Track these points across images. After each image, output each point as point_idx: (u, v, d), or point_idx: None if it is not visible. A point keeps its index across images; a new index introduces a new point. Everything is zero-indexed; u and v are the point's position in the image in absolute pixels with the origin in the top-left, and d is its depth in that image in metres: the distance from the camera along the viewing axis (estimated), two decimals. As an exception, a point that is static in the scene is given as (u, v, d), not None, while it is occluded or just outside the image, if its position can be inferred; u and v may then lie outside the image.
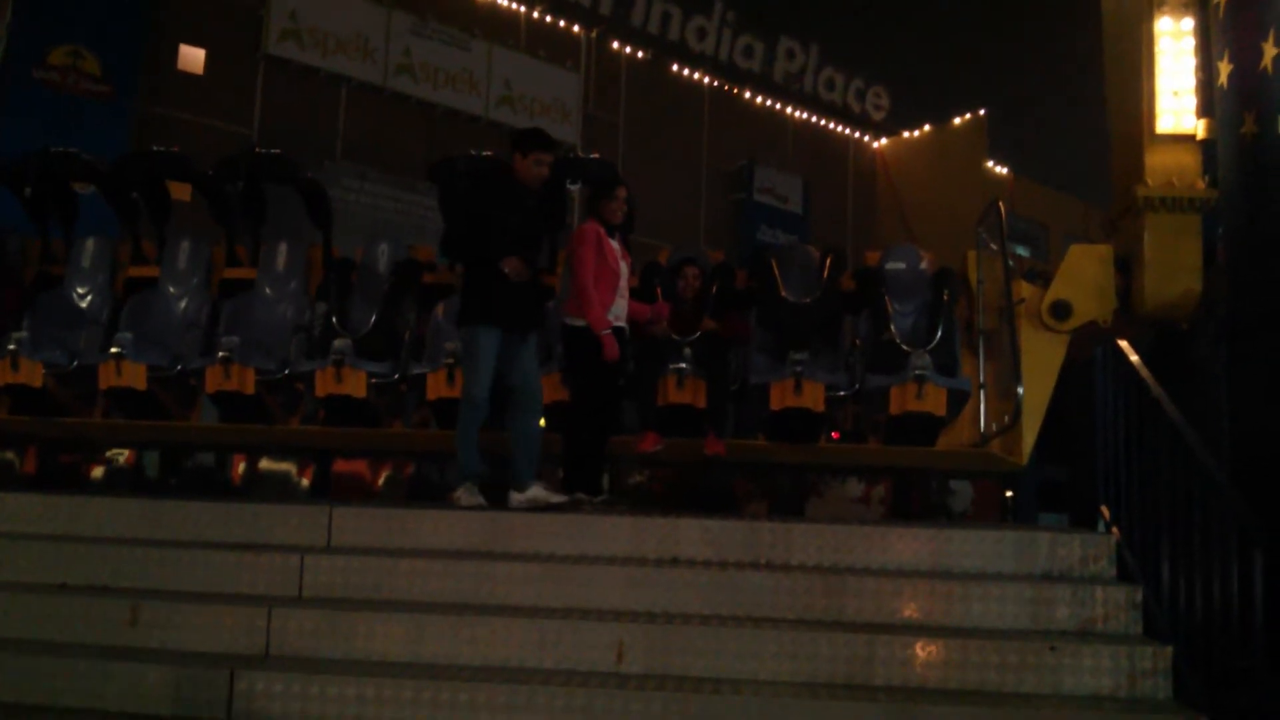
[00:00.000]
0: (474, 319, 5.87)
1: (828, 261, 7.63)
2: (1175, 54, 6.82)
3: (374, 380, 7.08)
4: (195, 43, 15.04)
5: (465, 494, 5.84)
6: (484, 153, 8.37)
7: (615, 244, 6.33)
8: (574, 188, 8.33)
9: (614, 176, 6.42)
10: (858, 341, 7.17)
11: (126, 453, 8.05)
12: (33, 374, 7.12)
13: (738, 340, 7.16)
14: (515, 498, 5.81)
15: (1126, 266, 6.96)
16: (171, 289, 7.86)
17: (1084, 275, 6.99)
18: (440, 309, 7.49)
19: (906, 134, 22.71)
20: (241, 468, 7.99)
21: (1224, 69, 6.29)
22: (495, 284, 5.85)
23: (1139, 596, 4.76)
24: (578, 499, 6.06)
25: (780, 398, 6.66)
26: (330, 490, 7.73)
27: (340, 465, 7.84)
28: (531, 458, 5.99)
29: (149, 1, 14.48)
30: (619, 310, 6.32)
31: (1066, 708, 4.26)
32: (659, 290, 7.26)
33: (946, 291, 7.18)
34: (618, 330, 6.27)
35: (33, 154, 7.93)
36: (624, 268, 6.40)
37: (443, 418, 7.25)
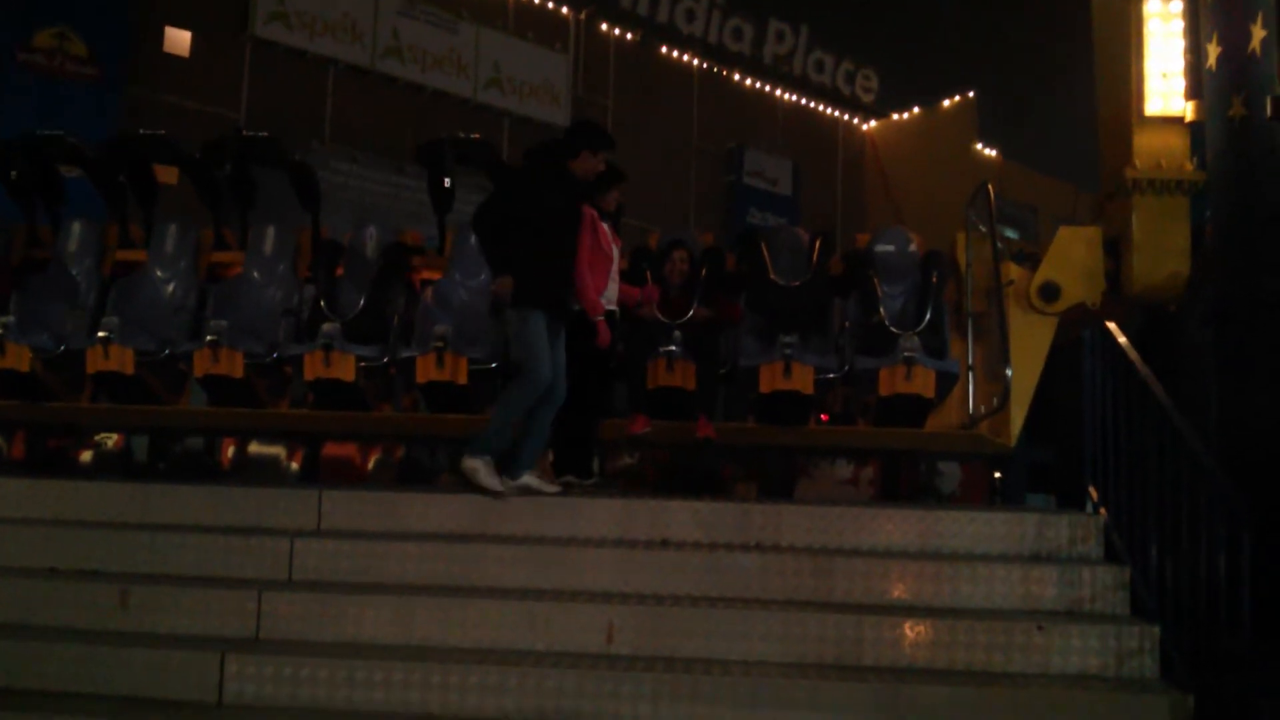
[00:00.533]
0: (528, 301, 5.72)
1: (817, 244, 7.63)
2: (1164, 36, 6.82)
3: (363, 364, 7.07)
4: (182, 25, 14.92)
5: (485, 470, 5.46)
6: (472, 135, 8.35)
7: (607, 227, 6.34)
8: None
9: (609, 170, 6.37)
10: (847, 324, 7.18)
11: (115, 437, 8.02)
12: (20, 358, 7.08)
13: (727, 323, 7.16)
14: (507, 483, 5.67)
15: (1115, 249, 6.98)
16: (159, 272, 7.82)
17: (1072, 257, 7.00)
18: (429, 293, 7.47)
19: (896, 116, 22.68)
20: (231, 451, 7.97)
21: (1212, 51, 6.29)
22: (544, 270, 5.78)
23: (1126, 577, 4.79)
24: (567, 481, 6.07)
25: (770, 380, 6.66)
26: (320, 474, 7.72)
27: (330, 449, 7.83)
28: (537, 449, 5.88)
29: (135, -17, 14.40)
30: (611, 294, 6.33)
31: (1054, 687, 4.29)
32: (648, 274, 7.25)
33: (935, 274, 7.19)
34: (609, 314, 6.28)
35: (18, 137, 7.88)
36: (615, 252, 6.41)
37: (432, 401, 7.25)
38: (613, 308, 6.35)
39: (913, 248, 7.54)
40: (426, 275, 7.88)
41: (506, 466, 5.68)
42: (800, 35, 21.62)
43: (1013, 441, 6.90)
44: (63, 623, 4.70)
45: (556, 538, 5.15)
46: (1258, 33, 6.00)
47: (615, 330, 6.38)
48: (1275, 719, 4.26)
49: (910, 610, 4.65)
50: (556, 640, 4.53)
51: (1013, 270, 7.04)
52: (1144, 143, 6.74)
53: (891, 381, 6.60)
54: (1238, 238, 6.10)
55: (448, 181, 7.96)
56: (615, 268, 6.42)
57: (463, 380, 6.91)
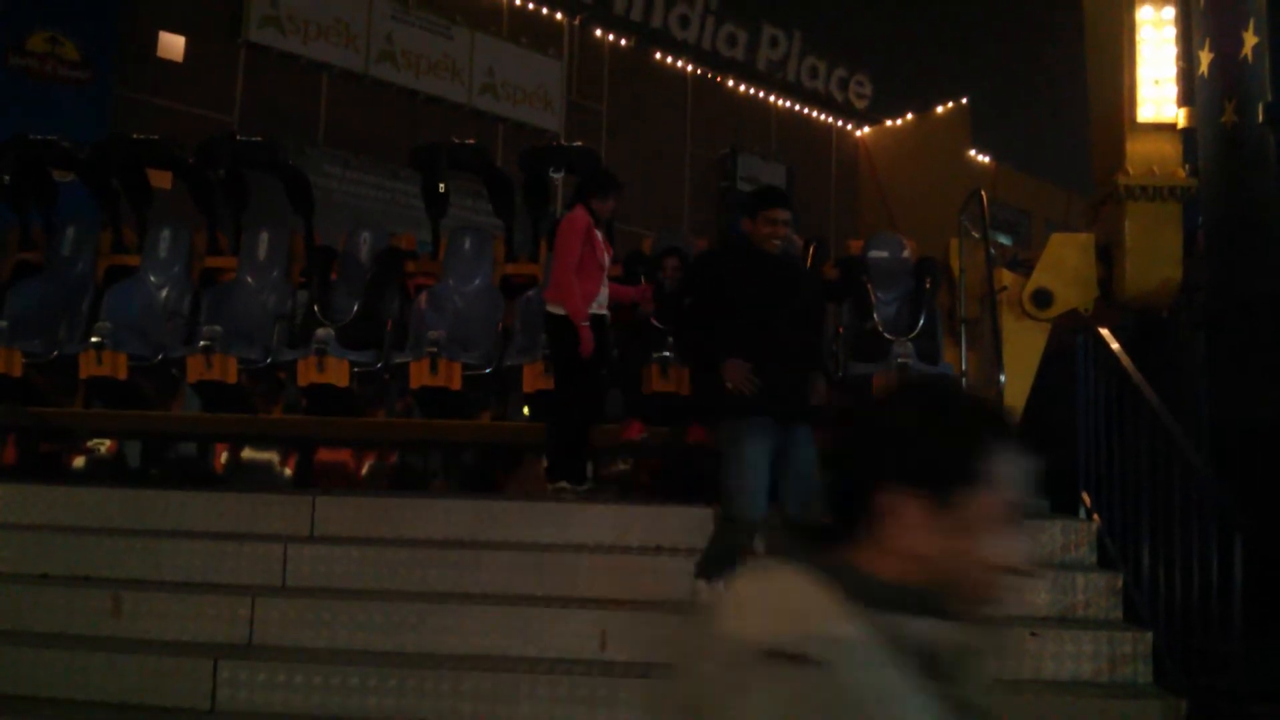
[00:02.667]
0: (728, 410, 4.64)
1: (810, 250, 7.64)
2: (1156, 43, 6.84)
3: (357, 369, 7.06)
4: (175, 29, 14.90)
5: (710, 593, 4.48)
6: (467, 140, 8.35)
7: (600, 234, 6.35)
8: (556, 176, 8.32)
9: (607, 179, 6.37)
10: (840, 330, 7.19)
11: (108, 442, 8.01)
12: (12, 363, 7.07)
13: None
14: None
15: (1107, 255, 6.99)
16: (152, 277, 7.81)
17: (1065, 264, 7.01)
18: (423, 298, 7.47)
19: (889, 122, 22.71)
20: (224, 457, 7.97)
21: (1205, 58, 6.31)
22: (755, 361, 4.64)
23: (1119, 582, 4.80)
24: (561, 488, 6.07)
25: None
26: (313, 479, 7.71)
27: (323, 454, 7.82)
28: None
29: (128, -13, 14.38)
30: (603, 298, 6.35)
31: (1047, 693, 4.29)
32: (642, 278, 7.25)
33: (929, 280, 7.20)
34: (599, 318, 6.28)
35: (10, 141, 7.87)
36: (606, 258, 6.44)
37: (426, 406, 7.24)
38: (602, 312, 6.36)
39: (906, 254, 7.56)
40: (421, 280, 7.87)
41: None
42: (794, 41, 21.64)
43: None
44: (55, 629, 4.69)
45: (550, 544, 5.15)
46: (1249, 39, 6.02)
47: (605, 334, 6.41)
48: (1268, 724, 4.27)
49: (904, 616, 4.64)
50: (550, 647, 4.53)
51: (1006, 276, 7.05)
52: (1136, 149, 6.75)
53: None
54: (1229, 243, 6.12)
55: (442, 186, 7.96)
56: (606, 274, 6.45)
57: (456, 386, 6.90)
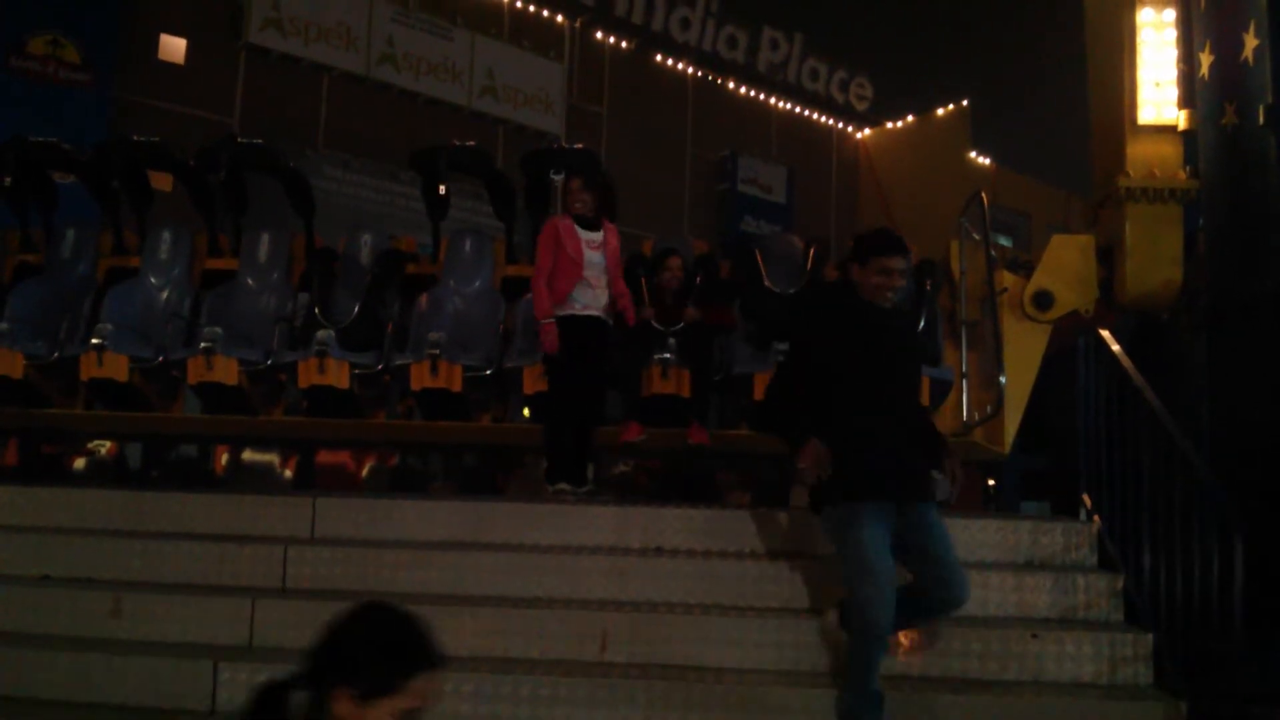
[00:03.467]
0: (834, 495, 4.19)
1: (811, 252, 7.64)
2: (1157, 45, 6.84)
3: (357, 371, 7.06)
4: (176, 32, 14.93)
5: None
6: (467, 143, 8.35)
7: (585, 233, 6.29)
8: (557, 178, 8.31)
9: (588, 167, 6.33)
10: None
11: (109, 444, 8.01)
12: (13, 365, 7.07)
13: (722, 329, 7.16)
14: None
15: (1108, 256, 6.99)
16: (153, 279, 7.81)
17: (1066, 265, 7.01)
18: (424, 300, 7.47)
19: (890, 125, 22.74)
20: (224, 459, 7.97)
21: (1205, 60, 6.31)
22: (850, 435, 4.19)
23: (1120, 584, 4.80)
24: (560, 489, 6.06)
25: (764, 388, 6.67)
26: (314, 481, 7.70)
27: (323, 456, 7.82)
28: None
29: (129, -11, 14.41)
30: (588, 299, 6.27)
31: (1048, 695, 4.29)
32: (643, 281, 7.24)
33: (929, 282, 7.20)
34: (592, 319, 6.24)
35: (11, 143, 7.87)
36: (594, 257, 6.30)
37: (426, 408, 7.24)
38: (593, 314, 6.28)
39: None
40: (421, 282, 7.87)
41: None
42: (794, 43, 21.67)
43: (1006, 449, 6.91)
44: (55, 630, 4.68)
45: (550, 545, 5.14)
46: (1250, 41, 6.02)
47: (602, 336, 6.33)
48: (1268, 726, 4.26)
49: (904, 618, 4.64)
50: (550, 648, 4.53)
51: (1006, 278, 7.06)
52: (1137, 151, 6.76)
53: (885, 389, 6.59)
54: (1230, 245, 6.12)
55: (442, 189, 7.96)
56: (594, 273, 6.29)
57: (457, 387, 6.91)
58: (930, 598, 4.13)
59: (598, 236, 6.32)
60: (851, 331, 4.32)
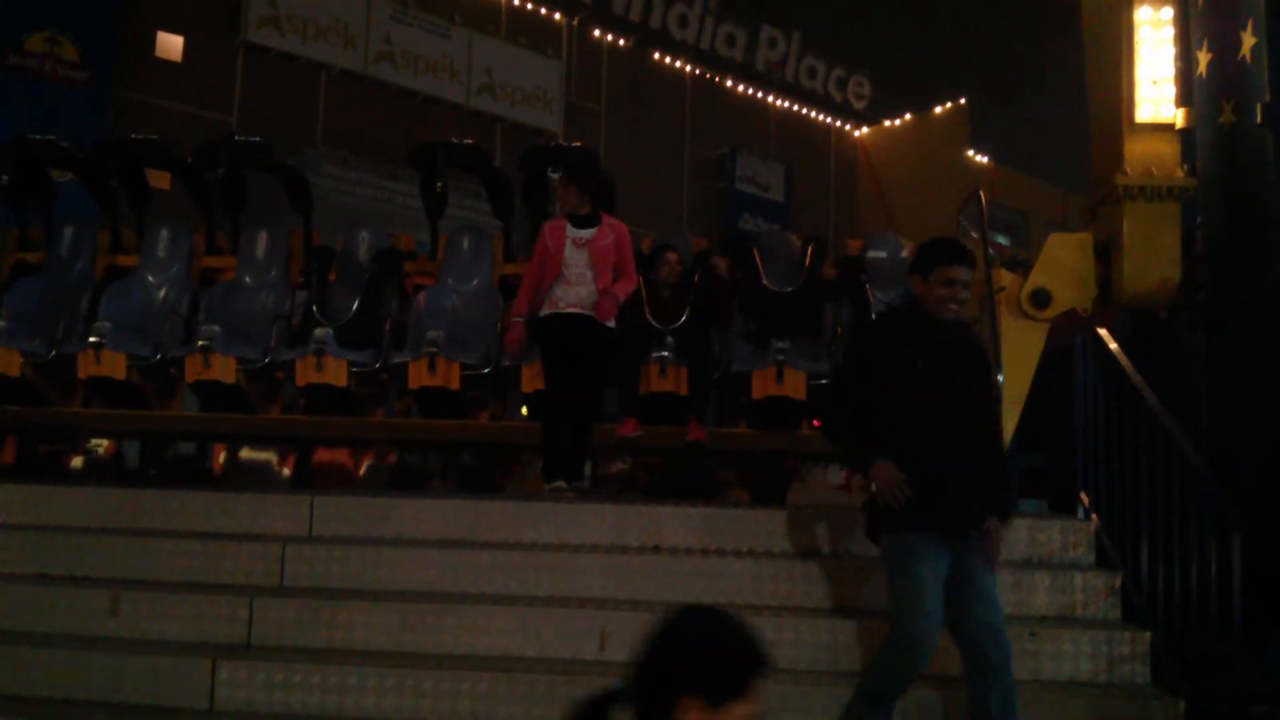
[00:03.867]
0: (896, 524, 4.01)
1: (809, 250, 7.64)
2: (1154, 43, 6.83)
3: (355, 369, 7.06)
4: (173, 29, 14.91)
5: None
6: (465, 140, 8.35)
7: (574, 231, 6.25)
8: (555, 176, 8.30)
9: (586, 164, 6.32)
10: (839, 329, 7.19)
11: (106, 442, 8.01)
12: (10, 363, 7.07)
13: (720, 327, 7.15)
14: None
15: (1106, 255, 6.99)
16: (151, 277, 7.80)
17: (1063, 263, 7.00)
18: (421, 298, 7.47)
19: (888, 123, 22.73)
20: (222, 457, 7.96)
21: (1203, 58, 6.31)
22: (916, 462, 3.97)
23: (1118, 582, 4.80)
24: (558, 487, 6.04)
25: (762, 386, 6.67)
26: (311, 479, 7.70)
27: (321, 454, 7.82)
28: None
29: (126, -13, 14.39)
30: (571, 297, 6.20)
31: (1046, 692, 4.30)
32: (640, 279, 7.23)
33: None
34: (577, 317, 6.17)
35: (9, 141, 7.87)
36: (576, 254, 6.23)
37: (424, 406, 7.24)
38: (579, 311, 6.20)
39: (905, 254, 7.56)
40: (419, 280, 7.87)
41: None
42: (792, 41, 21.65)
43: (1004, 447, 6.90)
44: (53, 628, 4.68)
45: (548, 544, 5.14)
46: (1248, 39, 6.02)
47: (596, 336, 6.24)
48: (1266, 724, 4.27)
49: (902, 616, 4.65)
50: (549, 647, 4.53)
51: (1004, 276, 7.05)
52: (1135, 149, 6.75)
53: (883, 387, 6.59)
54: (1228, 243, 6.12)
55: (440, 186, 7.96)
56: (578, 271, 6.22)
57: (455, 385, 6.91)
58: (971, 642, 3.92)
59: (587, 234, 6.27)
60: (914, 346, 4.08)
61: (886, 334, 4.30)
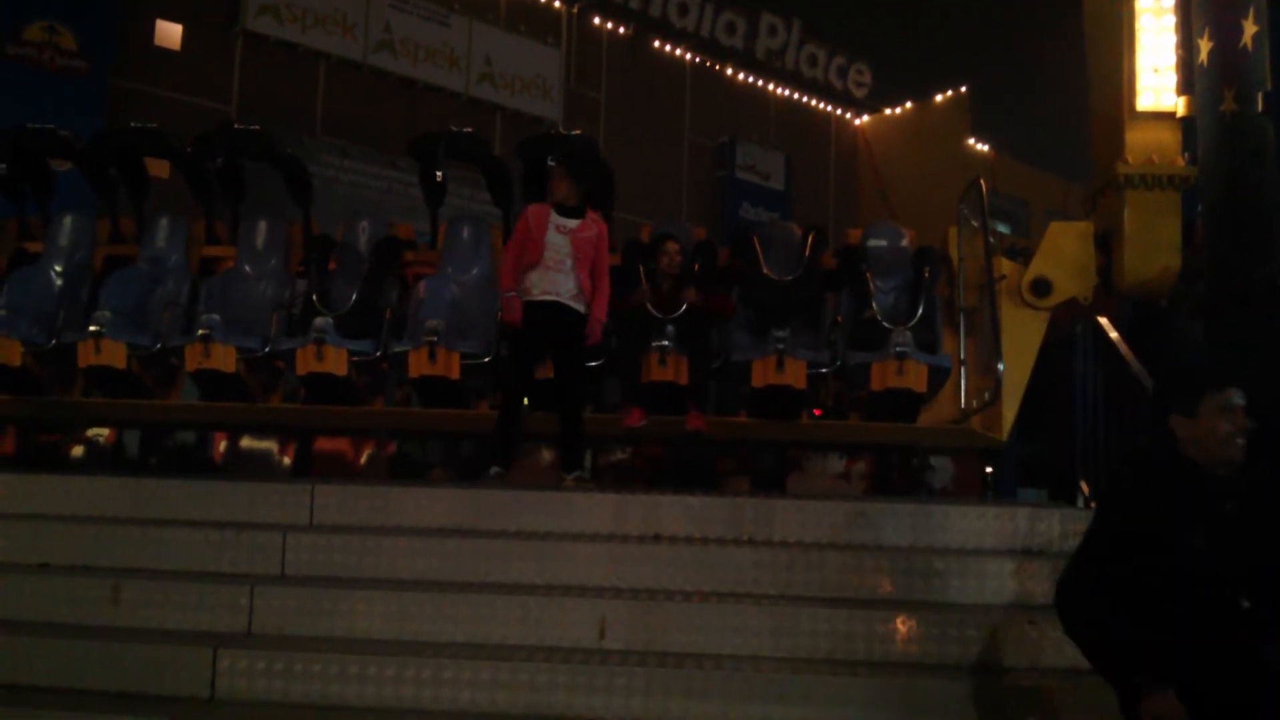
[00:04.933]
0: None
1: (809, 239, 7.63)
2: (1156, 31, 6.84)
3: (355, 358, 7.05)
4: (172, 18, 14.89)
5: None
6: (465, 129, 8.33)
7: (559, 219, 6.29)
8: (555, 165, 8.30)
9: (586, 153, 6.31)
10: (839, 319, 7.19)
11: (107, 432, 7.99)
12: (10, 352, 7.06)
13: (720, 317, 7.15)
14: None
15: (1106, 243, 6.99)
16: (150, 267, 7.78)
17: (1064, 252, 7.01)
18: (421, 287, 7.46)
19: (888, 111, 22.71)
20: (223, 446, 7.95)
21: (1204, 46, 6.30)
22: (1202, 681, 3.00)
23: (1117, 571, 4.80)
24: (496, 473, 6.06)
25: (762, 375, 6.67)
26: (312, 468, 7.70)
27: (322, 443, 7.81)
28: None
29: (125, -24, 14.36)
30: (546, 285, 6.24)
31: (1045, 681, 4.30)
32: (640, 269, 7.23)
33: (928, 269, 7.19)
34: (550, 305, 6.21)
35: (7, 130, 7.85)
36: (559, 241, 6.27)
37: (424, 396, 7.24)
38: (552, 299, 6.23)
39: (905, 243, 7.55)
40: (419, 270, 7.86)
41: None
42: (793, 30, 21.61)
43: (1004, 436, 6.91)
44: (54, 618, 4.68)
45: (549, 533, 5.14)
46: (1249, 28, 6.01)
47: (570, 325, 6.27)
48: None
49: (902, 604, 4.65)
50: (549, 635, 4.53)
51: (1005, 265, 7.05)
52: (1136, 138, 6.76)
53: (883, 376, 6.60)
54: (1228, 232, 6.12)
55: (440, 175, 7.95)
56: (559, 258, 6.26)
57: (455, 375, 6.90)
58: None
59: (572, 223, 6.30)
60: (1188, 516, 3.06)
61: (1153, 502, 3.20)
